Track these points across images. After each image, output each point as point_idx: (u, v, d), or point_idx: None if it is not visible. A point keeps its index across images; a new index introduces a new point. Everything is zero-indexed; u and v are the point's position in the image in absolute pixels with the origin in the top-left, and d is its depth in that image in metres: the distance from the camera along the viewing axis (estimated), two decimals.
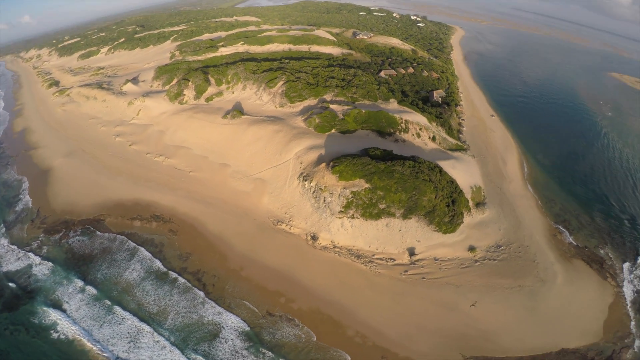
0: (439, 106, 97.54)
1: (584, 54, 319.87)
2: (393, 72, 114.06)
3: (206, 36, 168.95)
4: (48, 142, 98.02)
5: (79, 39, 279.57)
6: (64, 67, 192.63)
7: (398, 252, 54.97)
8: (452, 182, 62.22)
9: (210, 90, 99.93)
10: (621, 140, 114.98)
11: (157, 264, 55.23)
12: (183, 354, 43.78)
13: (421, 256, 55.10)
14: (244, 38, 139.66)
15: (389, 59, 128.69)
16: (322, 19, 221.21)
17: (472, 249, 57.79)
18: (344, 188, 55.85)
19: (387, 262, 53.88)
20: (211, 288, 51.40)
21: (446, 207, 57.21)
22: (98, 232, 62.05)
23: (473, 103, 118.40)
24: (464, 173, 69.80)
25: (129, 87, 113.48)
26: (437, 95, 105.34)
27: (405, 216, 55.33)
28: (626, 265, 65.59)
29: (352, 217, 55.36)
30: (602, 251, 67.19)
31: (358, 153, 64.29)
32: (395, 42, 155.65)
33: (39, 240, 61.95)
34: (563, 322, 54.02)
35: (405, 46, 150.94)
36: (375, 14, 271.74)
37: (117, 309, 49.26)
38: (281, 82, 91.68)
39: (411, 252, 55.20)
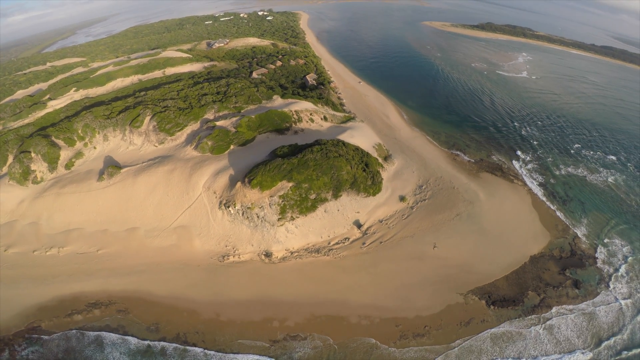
0: (316, 88, 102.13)
1: (400, 11, 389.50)
2: (264, 70, 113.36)
3: (20, 93, 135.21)
4: None
5: None
6: None
7: (347, 230, 57.04)
8: (357, 148, 66.44)
9: (65, 154, 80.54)
10: (455, 71, 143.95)
11: (133, 341, 45.69)
12: None
13: (368, 224, 58.59)
14: (75, 83, 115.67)
15: (255, 59, 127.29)
16: (164, 39, 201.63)
17: (402, 198, 63.91)
18: (270, 197, 53.60)
19: (344, 243, 55.54)
20: (202, 344, 44.90)
21: (363, 172, 61.19)
22: (45, 337, 47.94)
23: (341, 76, 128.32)
24: (362, 137, 75.40)
25: None
26: (311, 78, 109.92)
27: (336, 195, 57.03)
28: (515, 163, 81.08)
29: (292, 218, 54.11)
30: (494, 158, 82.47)
31: (267, 158, 62.17)
32: (253, 41, 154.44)
33: None
34: (512, 232, 61.96)
35: (265, 42, 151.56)
36: (222, 19, 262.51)
37: None
38: (148, 118, 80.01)
39: (358, 224, 58.03)
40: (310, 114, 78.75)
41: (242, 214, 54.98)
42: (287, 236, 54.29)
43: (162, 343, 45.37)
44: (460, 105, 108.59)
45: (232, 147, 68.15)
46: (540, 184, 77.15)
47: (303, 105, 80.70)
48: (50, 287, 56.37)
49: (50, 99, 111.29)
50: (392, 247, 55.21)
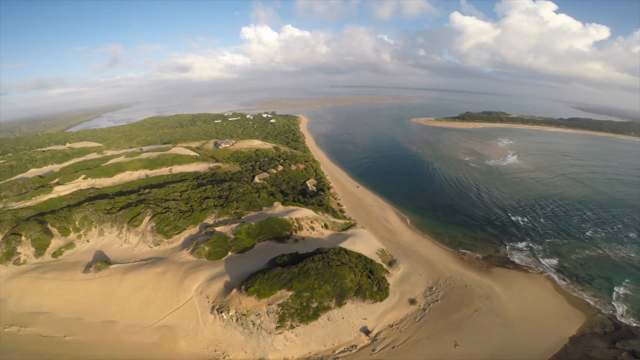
0: (316, 194, 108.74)
1: (387, 110, 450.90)
2: (266, 174, 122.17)
3: (33, 172, 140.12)
4: None
5: None
6: None
7: (354, 337, 53.88)
8: (360, 256, 67.27)
9: (55, 242, 79.21)
10: (446, 166, 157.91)
11: None
12: None
13: (377, 330, 55.80)
14: (85, 170, 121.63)
15: (258, 162, 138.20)
16: (177, 134, 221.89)
17: (413, 301, 62.73)
18: (268, 305, 52.02)
19: (351, 350, 51.85)
20: None
21: (368, 279, 60.79)
22: None
23: (339, 181, 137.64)
24: (364, 244, 77.00)
25: None
26: (311, 184, 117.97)
27: (340, 304, 55.71)
28: (525, 253, 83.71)
29: (292, 327, 51.56)
30: (502, 252, 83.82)
31: (266, 266, 62.10)
32: (257, 143, 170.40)
33: None
34: (541, 318, 61.26)
35: (267, 145, 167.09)
36: (230, 119, 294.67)
37: None
38: (148, 218, 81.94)
39: (365, 331, 55.20)
40: (311, 222, 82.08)
41: (236, 320, 52.18)
42: (286, 344, 50.64)
43: None
44: (457, 204, 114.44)
45: (230, 253, 68.52)
46: (557, 269, 77.84)
47: (304, 213, 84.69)
48: None
49: (58, 183, 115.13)
50: (406, 350, 51.79)
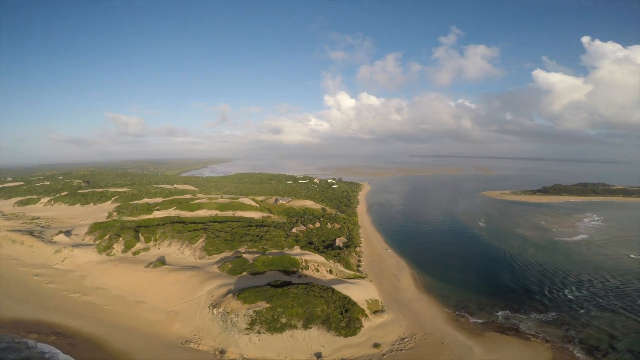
0: (340, 249, 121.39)
1: (462, 182, 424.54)
2: (303, 227, 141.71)
3: (145, 200, 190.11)
4: None
5: (22, 182, 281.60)
6: None
7: (306, 357, 61.12)
8: (344, 297, 75.73)
9: (139, 245, 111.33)
10: (495, 239, 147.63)
11: None
12: None
13: (328, 359, 61.50)
14: (177, 204, 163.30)
15: (302, 218, 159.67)
16: (253, 189, 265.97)
17: (377, 345, 65.72)
18: (247, 309, 66.38)
19: None
20: None
21: (340, 314, 69.09)
22: None
23: (372, 243, 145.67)
24: (358, 291, 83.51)
25: (60, 237, 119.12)
26: (339, 241, 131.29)
27: (305, 326, 65.40)
28: (534, 324, 75.33)
29: (259, 332, 63.69)
30: (508, 321, 76.97)
31: (263, 285, 77.64)
32: (309, 203, 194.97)
33: None
34: None
35: (317, 206, 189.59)
36: (300, 181, 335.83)
37: None
38: (202, 239, 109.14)
39: (318, 355, 61.85)
40: (318, 265, 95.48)
41: (221, 316, 67.52)
42: (248, 344, 62.12)
43: None
44: (487, 270, 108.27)
45: (244, 273, 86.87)
46: (568, 339, 69.19)
47: (314, 257, 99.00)
48: (44, 312, 75.41)
49: (157, 209, 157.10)
50: None
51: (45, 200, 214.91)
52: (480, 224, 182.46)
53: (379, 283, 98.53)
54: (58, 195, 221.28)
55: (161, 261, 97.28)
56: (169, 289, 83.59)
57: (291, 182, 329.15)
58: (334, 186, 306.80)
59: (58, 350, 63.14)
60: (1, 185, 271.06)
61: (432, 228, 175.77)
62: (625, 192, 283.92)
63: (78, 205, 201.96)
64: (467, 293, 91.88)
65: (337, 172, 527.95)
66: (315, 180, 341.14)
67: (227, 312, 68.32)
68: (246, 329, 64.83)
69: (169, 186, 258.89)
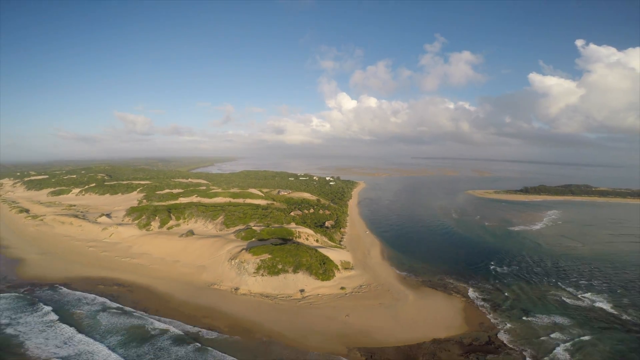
0: (327, 228, 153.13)
1: (452, 182, 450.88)
2: (300, 212, 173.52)
3: (167, 191, 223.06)
4: (21, 246, 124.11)
5: (47, 176, 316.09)
6: (32, 199, 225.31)
7: (293, 292, 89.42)
8: (324, 256, 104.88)
9: (171, 222, 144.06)
10: (461, 228, 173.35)
11: (113, 304, 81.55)
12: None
13: (308, 294, 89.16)
14: (198, 192, 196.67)
15: (299, 206, 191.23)
16: (258, 184, 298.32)
17: (343, 288, 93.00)
18: (255, 259, 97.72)
19: (286, 299, 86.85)
20: (154, 314, 77.70)
21: (319, 265, 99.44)
22: (62, 289, 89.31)
23: (355, 227, 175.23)
24: (335, 254, 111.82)
25: (103, 219, 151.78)
26: (328, 223, 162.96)
27: (295, 271, 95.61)
28: (467, 287, 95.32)
29: (262, 275, 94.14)
30: (443, 280, 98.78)
31: (267, 244, 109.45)
32: (306, 195, 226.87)
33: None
34: (425, 322, 74.05)
35: (313, 197, 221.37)
36: (301, 178, 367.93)
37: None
38: (221, 217, 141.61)
39: (301, 291, 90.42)
40: (308, 236, 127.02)
41: (237, 265, 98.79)
42: (254, 284, 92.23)
43: (128, 309, 78.36)
44: (443, 249, 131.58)
45: (253, 239, 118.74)
46: (484, 299, 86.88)
47: (305, 230, 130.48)
48: (105, 271, 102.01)
49: (181, 196, 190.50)
50: (316, 308, 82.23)
51: (76, 190, 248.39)
52: (453, 215, 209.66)
53: (353, 252, 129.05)
54: (87, 186, 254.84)
55: (191, 232, 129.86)
56: (198, 251, 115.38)
57: (292, 178, 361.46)
58: (331, 183, 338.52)
59: (112, 302, 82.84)
60: (27, 179, 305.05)
61: (409, 218, 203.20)
62: (602, 193, 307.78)
63: (107, 195, 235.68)
64: (419, 263, 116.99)
65: (337, 171, 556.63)
66: (314, 178, 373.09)
67: (241, 262, 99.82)
68: (254, 272, 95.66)
69: (184, 180, 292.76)
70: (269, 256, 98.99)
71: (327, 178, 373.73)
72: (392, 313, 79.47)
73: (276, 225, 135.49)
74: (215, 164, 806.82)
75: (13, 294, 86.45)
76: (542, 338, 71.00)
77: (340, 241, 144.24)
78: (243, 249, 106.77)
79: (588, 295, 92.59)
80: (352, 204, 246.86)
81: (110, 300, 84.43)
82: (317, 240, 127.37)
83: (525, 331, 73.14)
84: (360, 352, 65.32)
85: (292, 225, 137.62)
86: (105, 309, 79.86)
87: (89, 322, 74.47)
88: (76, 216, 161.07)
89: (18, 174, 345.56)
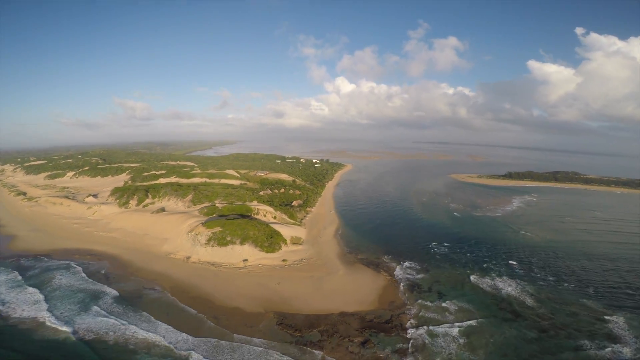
0: (293, 207, 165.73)
1: (441, 166, 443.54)
2: (269, 191, 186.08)
3: (152, 172, 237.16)
4: (15, 225, 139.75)
5: (45, 161, 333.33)
6: (30, 183, 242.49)
7: (236, 262, 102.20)
8: (275, 230, 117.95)
9: (147, 201, 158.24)
10: (425, 212, 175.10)
11: (79, 269, 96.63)
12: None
13: (251, 263, 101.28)
14: (177, 173, 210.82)
15: (272, 186, 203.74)
16: (243, 165, 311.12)
17: (284, 260, 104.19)
18: (207, 231, 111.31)
19: (229, 267, 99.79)
20: (112, 279, 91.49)
21: (265, 238, 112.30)
22: (45, 259, 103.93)
23: (323, 207, 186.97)
24: (288, 230, 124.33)
25: (90, 199, 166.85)
26: (296, 203, 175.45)
27: (241, 243, 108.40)
28: (398, 266, 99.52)
29: (212, 246, 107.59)
30: (378, 259, 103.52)
31: (220, 219, 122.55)
32: (283, 176, 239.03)
33: None
34: (342, 295, 79.60)
35: (289, 178, 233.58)
36: (287, 160, 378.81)
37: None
38: (190, 195, 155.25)
39: (245, 260, 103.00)
40: (266, 212, 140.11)
41: (192, 237, 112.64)
42: (204, 253, 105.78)
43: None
44: (396, 230, 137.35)
45: (214, 215, 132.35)
46: (406, 278, 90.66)
47: (265, 207, 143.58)
48: (83, 244, 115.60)
49: (161, 177, 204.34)
50: (253, 276, 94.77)
51: (70, 174, 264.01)
52: (423, 199, 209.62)
53: (309, 229, 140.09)
54: (81, 170, 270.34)
55: (162, 209, 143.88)
56: (164, 226, 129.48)
57: (279, 161, 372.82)
58: (316, 165, 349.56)
59: (85, 266, 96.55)
60: (28, 164, 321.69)
61: (378, 200, 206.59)
62: (587, 181, 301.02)
63: (99, 177, 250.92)
64: (367, 242, 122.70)
65: (331, 154, 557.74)
66: (301, 160, 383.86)
67: (196, 234, 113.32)
68: (205, 243, 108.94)
69: (173, 162, 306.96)
70: (220, 229, 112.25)
71: (314, 160, 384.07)
72: (318, 285, 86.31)
73: (239, 202, 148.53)
74: (214, 148, 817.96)
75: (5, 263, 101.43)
76: (439, 324, 72.04)
77: (303, 219, 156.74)
78: (200, 223, 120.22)
79: (510, 282, 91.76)
80: (330, 185, 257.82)
81: (77, 266, 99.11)
82: (274, 217, 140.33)
83: (427, 315, 75.07)
84: (275, 315, 73.32)
85: (254, 203, 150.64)
86: (73, 273, 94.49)
87: (49, 283, 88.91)
88: (67, 197, 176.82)
89: (19, 160, 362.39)
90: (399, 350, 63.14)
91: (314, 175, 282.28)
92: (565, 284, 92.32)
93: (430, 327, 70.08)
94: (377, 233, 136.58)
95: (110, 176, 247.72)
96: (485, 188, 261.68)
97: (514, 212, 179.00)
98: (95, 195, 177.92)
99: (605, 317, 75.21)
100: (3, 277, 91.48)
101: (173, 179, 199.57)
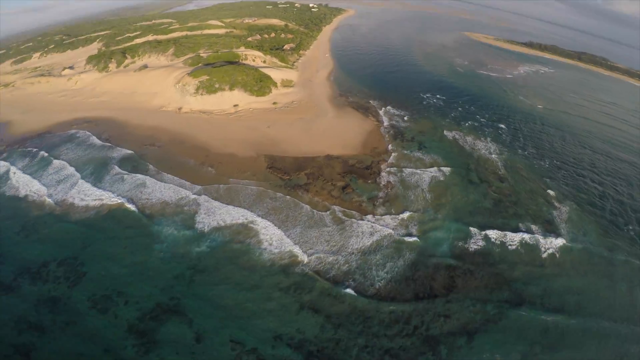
0: (283, 51, 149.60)
1: (455, 23, 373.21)
2: (259, 37, 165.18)
3: (126, 35, 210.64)
4: (3, 112, 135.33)
5: (4, 50, 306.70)
6: None
7: (227, 107, 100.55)
8: (265, 74, 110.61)
9: (127, 61, 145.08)
10: (427, 63, 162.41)
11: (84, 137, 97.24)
12: None
13: (241, 107, 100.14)
14: (154, 31, 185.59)
15: (262, 31, 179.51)
16: (229, 14, 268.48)
17: (275, 103, 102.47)
18: (195, 81, 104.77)
19: (221, 113, 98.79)
20: (114, 141, 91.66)
21: (255, 82, 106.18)
22: (49, 135, 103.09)
23: (318, 50, 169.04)
24: (279, 74, 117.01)
25: (66, 71, 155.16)
26: (288, 46, 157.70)
27: (231, 89, 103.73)
28: (386, 113, 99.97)
29: (201, 94, 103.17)
30: (368, 103, 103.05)
31: (207, 67, 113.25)
32: (274, 21, 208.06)
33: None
34: (330, 138, 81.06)
35: (281, 23, 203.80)
36: (280, 6, 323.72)
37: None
38: (172, 49, 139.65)
39: (235, 105, 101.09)
40: (255, 57, 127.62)
41: (180, 88, 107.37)
42: (194, 102, 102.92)
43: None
44: (393, 77, 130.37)
45: (200, 64, 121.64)
46: (392, 125, 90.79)
47: (253, 52, 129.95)
48: (75, 113, 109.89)
49: (137, 37, 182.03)
50: (244, 120, 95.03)
51: (37, 55, 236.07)
52: (428, 50, 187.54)
53: (301, 72, 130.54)
54: (47, 48, 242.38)
55: (144, 66, 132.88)
56: (151, 81, 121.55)
57: (270, 7, 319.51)
58: (313, 9, 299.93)
59: (89, 133, 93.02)
60: None
61: (379, 47, 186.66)
62: (611, 68, 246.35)
63: (68, 51, 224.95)
64: (360, 86, 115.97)
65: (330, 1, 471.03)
66: (296, 5, 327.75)
67: (184, 85, 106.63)
68: (194, 93, 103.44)
69: (148, 22, 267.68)
70: (207, 77, 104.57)
71: (311, 5, 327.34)
72: (307, 127, 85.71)
73: (225, 50, 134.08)
74: (194, 1, 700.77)
75: (20, 149, 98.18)
76: (413, 176, 73.12)
77: (295, 62, 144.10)
78: (186, 74, 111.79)
79: (490, 145, 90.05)
80: (328, 30, 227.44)
81: (81, 135, 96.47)
82: (264, 62, 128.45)
83: (404, 164, 76.20)
84: (265, 158, 74.99)
85: (241, 49, 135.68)
86: (78, 144, 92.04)
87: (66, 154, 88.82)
88: (42, 75, 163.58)
89: None
90: (373, 198, 65.83)
91: (310, 20, 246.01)
92: (540, 161, 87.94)
93: (405, 179, 71.55)
94: (372, 78, 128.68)
95: (80, 47, 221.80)
96: (499, 50, 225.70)
97: (520, 77, 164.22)
98: (71, 67, 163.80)
99: (555, 203, 72.34)
100: (26, 159, 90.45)
101: (150, 38, 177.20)
